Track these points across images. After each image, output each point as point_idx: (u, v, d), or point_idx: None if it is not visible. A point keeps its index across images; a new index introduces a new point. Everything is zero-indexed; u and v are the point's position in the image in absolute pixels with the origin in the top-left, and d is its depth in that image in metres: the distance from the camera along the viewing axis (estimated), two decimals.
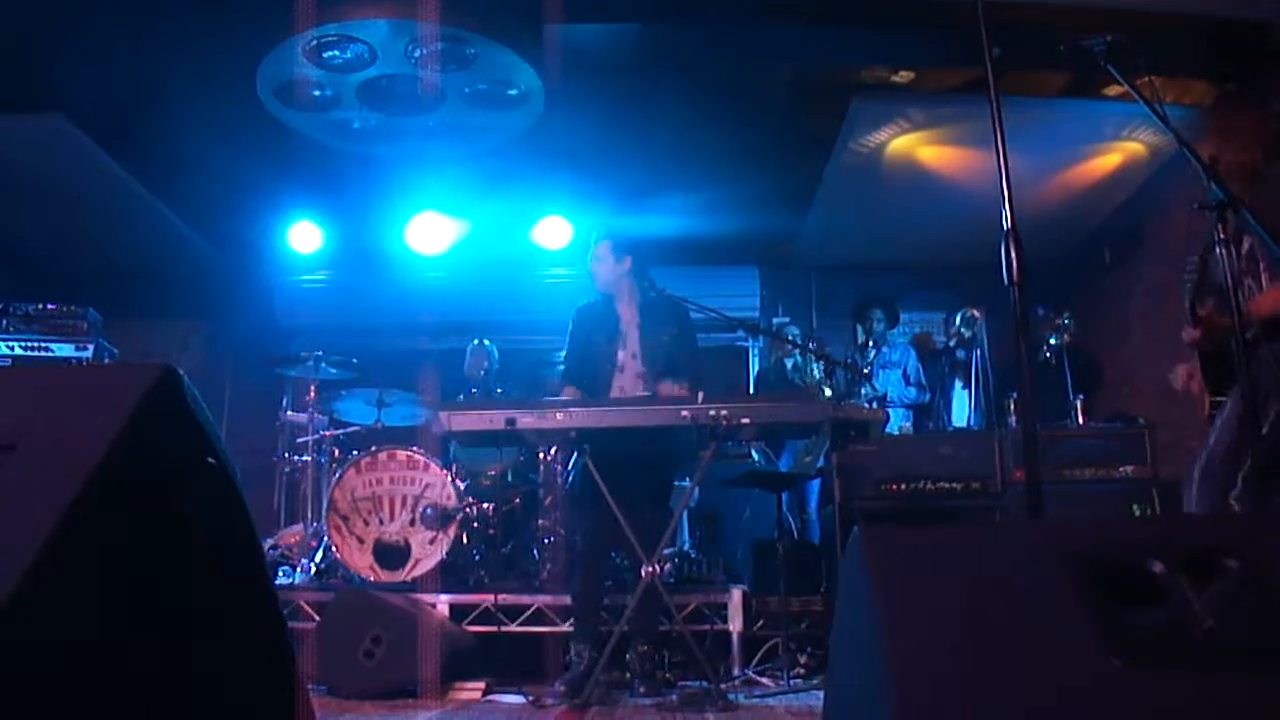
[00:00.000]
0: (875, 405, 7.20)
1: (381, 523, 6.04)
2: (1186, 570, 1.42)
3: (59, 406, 1.42)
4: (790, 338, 7.54)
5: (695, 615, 5.57)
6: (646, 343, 5.08)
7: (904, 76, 6.61)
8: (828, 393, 6.39)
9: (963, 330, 7.21)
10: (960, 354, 7.43)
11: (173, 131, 6.49)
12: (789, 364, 7.49)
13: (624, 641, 4.72)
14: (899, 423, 7.43)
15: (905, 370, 7.70)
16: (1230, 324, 3.24)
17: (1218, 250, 3.19)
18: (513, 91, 6.33)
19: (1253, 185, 3.82)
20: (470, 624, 5.58)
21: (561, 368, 5.34)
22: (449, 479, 6.10)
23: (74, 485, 1.26)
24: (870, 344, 7.72)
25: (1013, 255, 2.77)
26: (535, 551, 6.23)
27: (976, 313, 7.14)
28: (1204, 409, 4.08)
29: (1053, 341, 7.25)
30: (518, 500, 6.43)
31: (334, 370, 6.71)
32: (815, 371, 7.26)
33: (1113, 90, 6.20)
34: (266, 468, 7.21)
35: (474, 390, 7.07)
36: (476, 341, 7.37)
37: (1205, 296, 4.05)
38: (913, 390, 7.62)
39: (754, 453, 7.13)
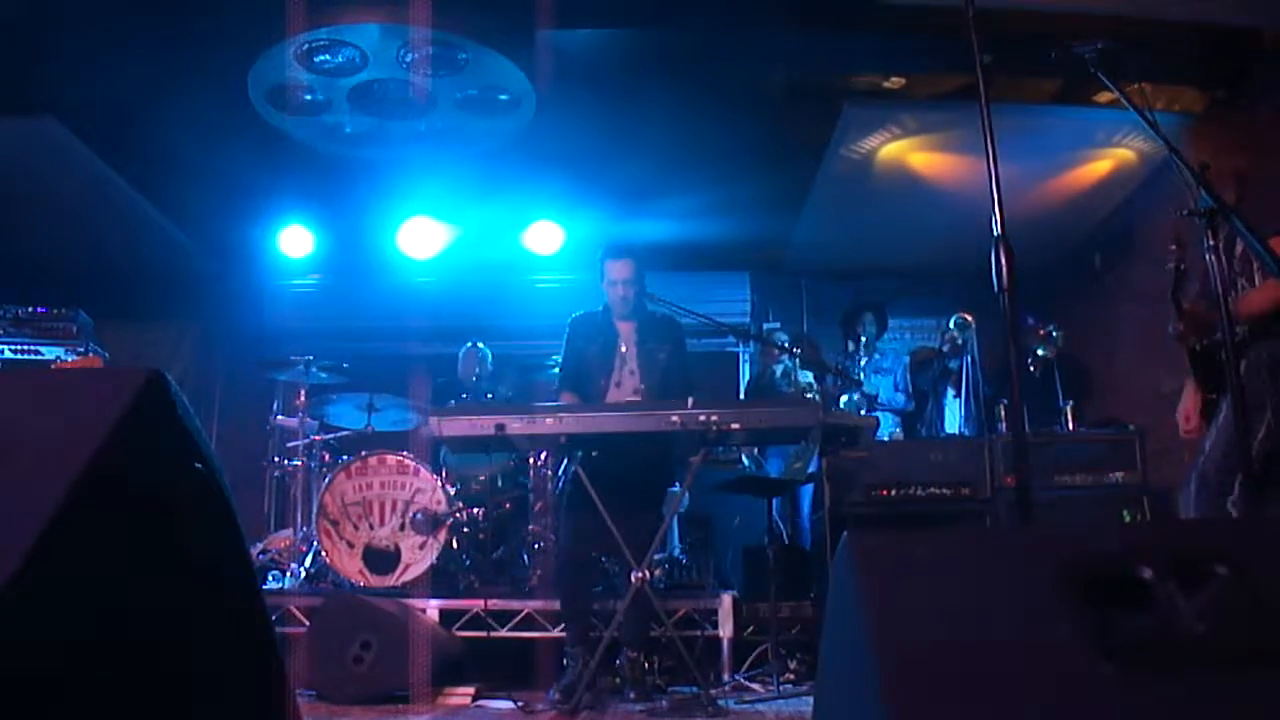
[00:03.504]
0: (865, 407, 7.22)
1: (371, 528, 6.03)
2: (1176, 576, 1.42)
3: (45, 411, 1.41)
4: (779, 343, 7.54)
5: (685, 621, 5.57)
6: (645, 360, 5.07)
7: (895, 82, 6.62)
8: (817, 398, 6.40)
9: (955, 334, 7.22)
10: (952, 362, 7.44)
11: (164, 135, 6.49)
12: (779, 370, 7.49)
13: (614, 647, 4.72)
14: (889, 429, 7.43)
15: (896, 378, 7.71)
16: (1215, 317, 3.26)
17: (1207, 257, 3.21)
18: (504, 96, 6.33)
19: (1242, 191, 3.85)
20: (460, 629, 5.58)
21: (558, 376, 5.32)
22: (439, 484, 6.09)
23: (59, 490, 1.25)
24: (862, 350, 7.72)
25: (1003, 261, 2.78)
26: (525, 557, 6.23)
27: (969, 316, 7.15)
28: (1197, 409, 4.11)
29: (1040, 353, 7.25)
30: (508, 505, 6.42)
31: (324, 375, 6.69)
32: (805, 377, 7.27)
33: (1103, 97, 6.21)
34: (256, 472, 7.20)
35: (465, 396, 7.06)
36: (469, 344, 7.37)
37: (1187, 288, 4.09)
38: (901, 397, 7.64)
39: (744, 458, 7.14)
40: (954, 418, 7.44)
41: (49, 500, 1.24)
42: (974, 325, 7.11)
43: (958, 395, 7.35)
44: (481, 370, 7.26)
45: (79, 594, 1.28)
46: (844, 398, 7.32)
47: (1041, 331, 7.22)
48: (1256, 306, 3.80)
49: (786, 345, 7.46)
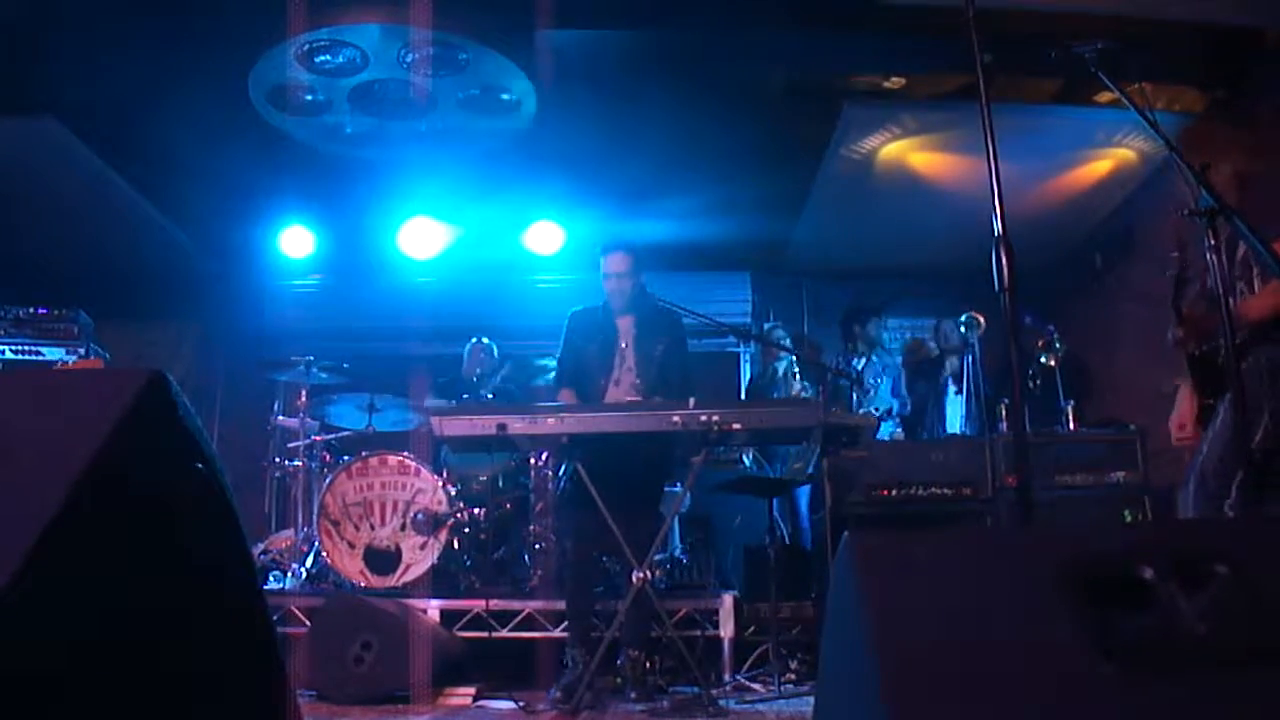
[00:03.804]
0: (878, 418, 7.19)
1: (372, 528, 6.03)
2: (1177, 576, 1.42)
3: (45, 411, 1.41)
4: (776, 340, 7.53)
5: (686, 621, 5.57)
6: (642, 355, 5.07)
7: (895, 82, 6.61)
8: (817, 397, 6.38)
9: (964, 334, 7.17)
10: (953, 359, 7.42)
11: (165, 135, 6.48)
12: (780, 366, 7.48)
13: (615, 647, 4.72)
14: (890, 429, 7.42)
15: (894, 380, 7.70)
16: (1214, 321, 3.25)
17: (1207, 257, 3.20)
18: (505, 96, 6.33)
19: (1242, 191, 3.84)
20: (461, 629, 5.58)
21: (556, 371, 5.33)
22: (440, 484, 6.09)
23: (60, 490, 1.25)
24: (864, 351, 7.71)
25: (1003, 261, 2.78)
26: (526, 557, 6.22)
27: (980, 316, 7.09)
28: (1195, 415, 4.10)
29: (1042, 360, 7.22)
30: (509, 505, 6.42)
31: (325, 375, 6.68)
32: (805, 377, 7.26)
33: (1104, 97, 6.21)
34: (257, 472, 7.19)
35: (465, 395, 7.05)
36: (475, 340, 7.34)
37: (1187, 292, 4.08)
38: (896, 402, 7.63)
39: (745, 458, 7.13)
40: (955, 416, 7.42)
41: (49, 500, 1.24)
42: (983, 325, 7.06)
43: (959, 392, 7.33)
44: (485, 367, 7.23)
45: (79, 594, 1.27)
46: (860, 412, 7.29)
47: (1042, 341, 7.19)
48: (1257, 312, 3.79)
49: (787, 344, 7.46)
